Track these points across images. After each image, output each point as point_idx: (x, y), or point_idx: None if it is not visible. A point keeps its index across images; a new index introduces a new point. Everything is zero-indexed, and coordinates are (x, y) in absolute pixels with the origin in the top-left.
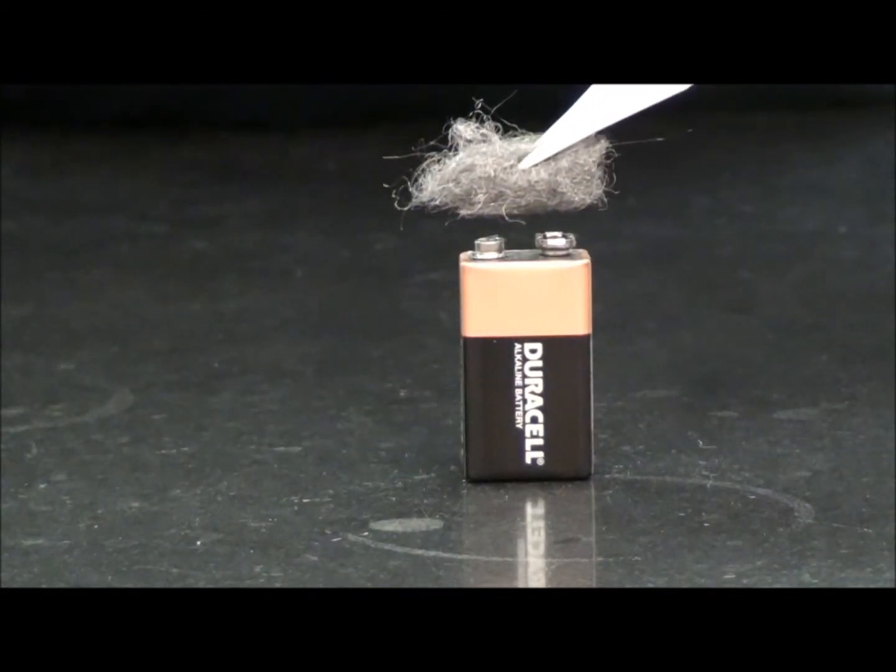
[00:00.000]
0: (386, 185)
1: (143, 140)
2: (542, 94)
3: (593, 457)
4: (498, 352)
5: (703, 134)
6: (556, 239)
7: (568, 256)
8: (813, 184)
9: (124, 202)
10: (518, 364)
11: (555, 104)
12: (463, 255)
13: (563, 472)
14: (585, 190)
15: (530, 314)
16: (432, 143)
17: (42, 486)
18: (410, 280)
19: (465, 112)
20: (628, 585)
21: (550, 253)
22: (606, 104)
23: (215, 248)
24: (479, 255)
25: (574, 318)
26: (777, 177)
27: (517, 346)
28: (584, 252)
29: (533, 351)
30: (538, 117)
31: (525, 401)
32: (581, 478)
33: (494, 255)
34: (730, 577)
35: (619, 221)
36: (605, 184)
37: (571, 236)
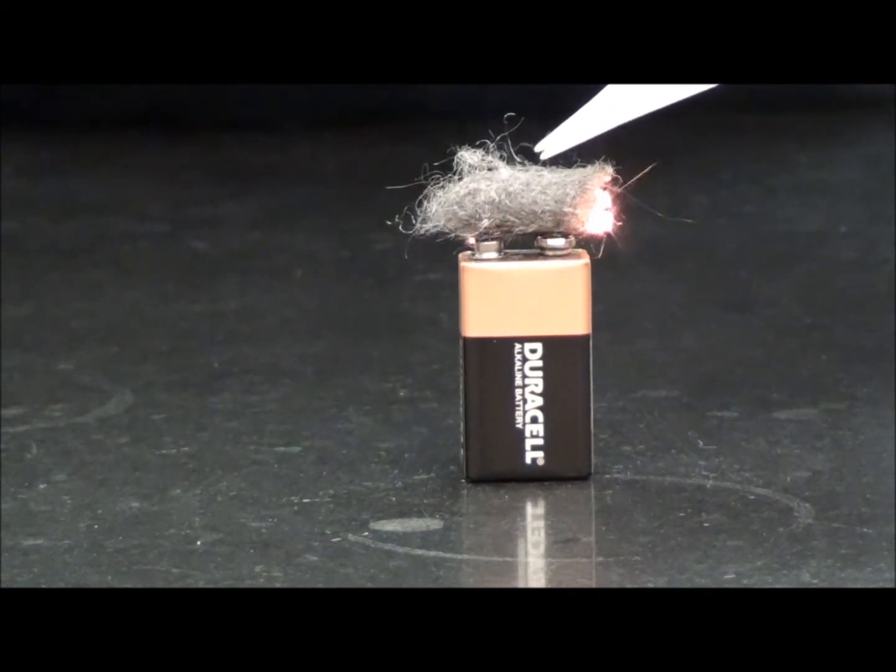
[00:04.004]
0: (390, 220)
1: (143, 140)
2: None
3: (593, 457)
4: (498, 352)
5: (703, 134)
6: (555, 239)
7: (567, 256)
8: (813, 184)
9: (124, 202)
10: (518, 364)
11: (555, 107)
12: (462, 255)
13: (563, 472)
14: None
15: (530, 314)
16: (436, 164)
17: (42, 486)
18: (410, 280)
19: (463, 113)
20: (628, 585)
21: (550, 253)
22: (622, 101)
23: (215, 248)
24: (478, 255)
25: (574, 318)
26: (777, 177)
27: (517, 346)
28: (583, 252)
29: (533, 351)
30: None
31: (525, 401)
32: (581, 478)
33: (494, 255)
34: (730, 577)
35: (619, 221)
36: (610, 212)
37: (571, 236)
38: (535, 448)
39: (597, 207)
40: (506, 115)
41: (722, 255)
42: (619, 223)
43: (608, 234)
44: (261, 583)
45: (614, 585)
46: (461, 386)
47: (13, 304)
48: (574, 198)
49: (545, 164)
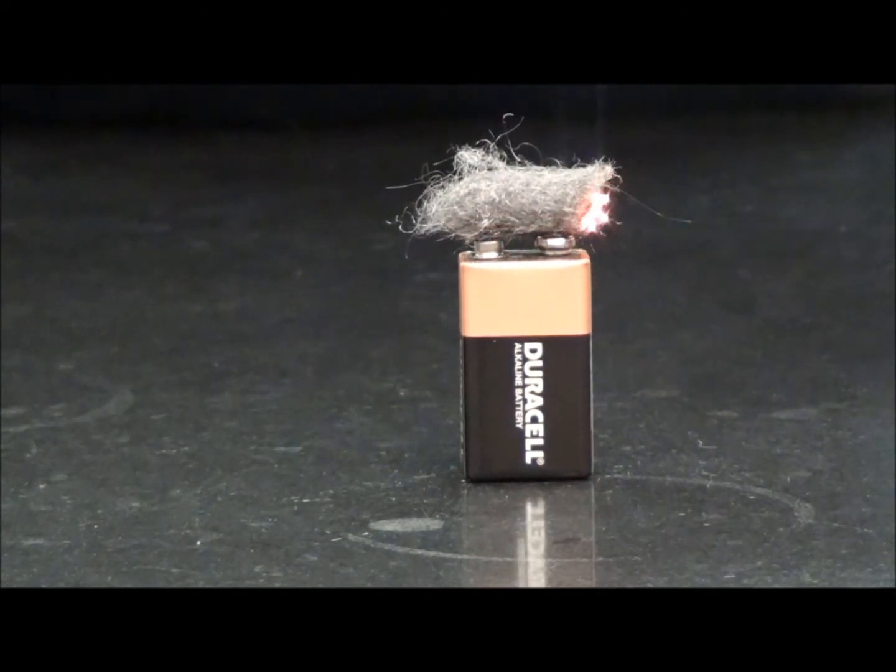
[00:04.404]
0: (392, 219)
1: (143, 140)
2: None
3: (593, 457)
4: (498, 352)
5: (703, 134)
6: (555, 239)
7: (567, 256)
8: (813, 184)
9: (124, 202)
10: (518, 364)
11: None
12: (462, 255)
13: (563, 472)
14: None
15: (530, 314)
16: (436, 164)
17: (42, 486)
18: (410, 280)
19: (462, 112)
20: (628, 585)
21: (550, 253)
22: None
23: (215, 248)
24: (478, 255)
25: (574, 318)
26: (777, 177)
27: (517, 346)
28: (583, 252)
29: (533, 351)
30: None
31: (525, 401)
32: (581, 478)
33: (494, 255)
34: (730, 577)
35: (619, 221)
36: (609, 212)
37: (571, 236)
38: (535, 448)
39: (596, 207)
40: (505, 116)
41: (722, 255)
42: (619, 223)
43: (607, 234)
44: (261, 583)
45: (614, 585)
46: (461, 386)
47: (13, 304)
48: (574, 198)
49: (547, 164)
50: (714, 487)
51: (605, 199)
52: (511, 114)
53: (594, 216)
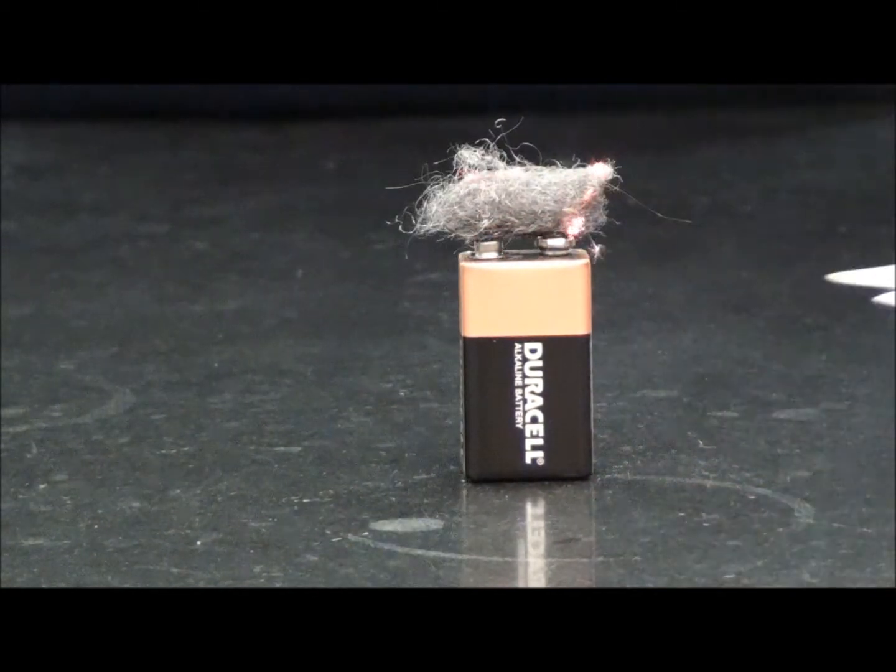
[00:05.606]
0: (389, 223)
1: (143, 140)
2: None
3: (593, 457)
4: (498, 352)
5: (703, 134)
6: (555, 239)
7: (567, 256)
8: (813, 184)
9: (124, 202)
10: (518, 364)
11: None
12: (462, 255)
13: (563, 472)
14: (590, 218)
15: (530, 314)
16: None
17: (42, 486)
18: (410, 280)
19: (460, 112)
20: (628, 585)
21: (550, 253)
22: None
23: (215, 248)
24: (478, 255)
25: (574, 318)
26: (777, 177)
27: (517, 346)
28: (583, 252)
29: (533, 351)
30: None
31: (525, 401)
32: (581, 478)
33: (494, 255)
34: (730, 577)
35: (620, 221)
36: (607, 212)
37: (571, 236)
38: (535, 448)
39: (595, 207)
40: (497, 120)
41: (722, 255)
42: (619, 223)
43: (606, 234)
44: (261, 583)
45: (614, 585)
46: (461, 386)
47: (13, 304)
48: (574, 198)
49: (547, 164)
50: (714, 487)
51: (604, 200)
52: (504, 119)
53: (593, 216)
